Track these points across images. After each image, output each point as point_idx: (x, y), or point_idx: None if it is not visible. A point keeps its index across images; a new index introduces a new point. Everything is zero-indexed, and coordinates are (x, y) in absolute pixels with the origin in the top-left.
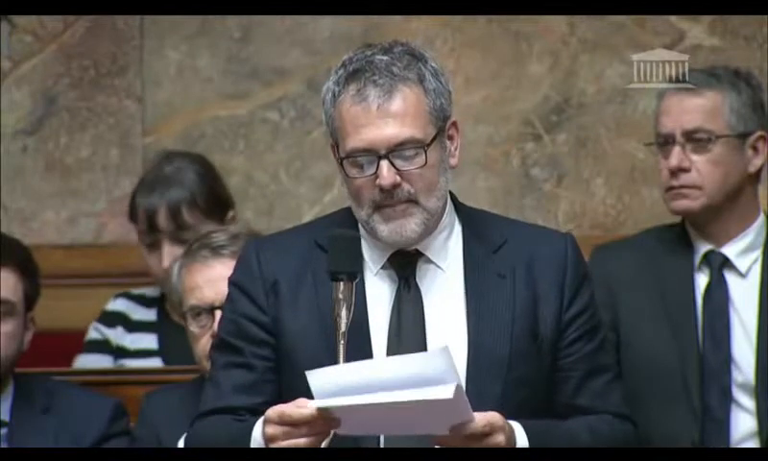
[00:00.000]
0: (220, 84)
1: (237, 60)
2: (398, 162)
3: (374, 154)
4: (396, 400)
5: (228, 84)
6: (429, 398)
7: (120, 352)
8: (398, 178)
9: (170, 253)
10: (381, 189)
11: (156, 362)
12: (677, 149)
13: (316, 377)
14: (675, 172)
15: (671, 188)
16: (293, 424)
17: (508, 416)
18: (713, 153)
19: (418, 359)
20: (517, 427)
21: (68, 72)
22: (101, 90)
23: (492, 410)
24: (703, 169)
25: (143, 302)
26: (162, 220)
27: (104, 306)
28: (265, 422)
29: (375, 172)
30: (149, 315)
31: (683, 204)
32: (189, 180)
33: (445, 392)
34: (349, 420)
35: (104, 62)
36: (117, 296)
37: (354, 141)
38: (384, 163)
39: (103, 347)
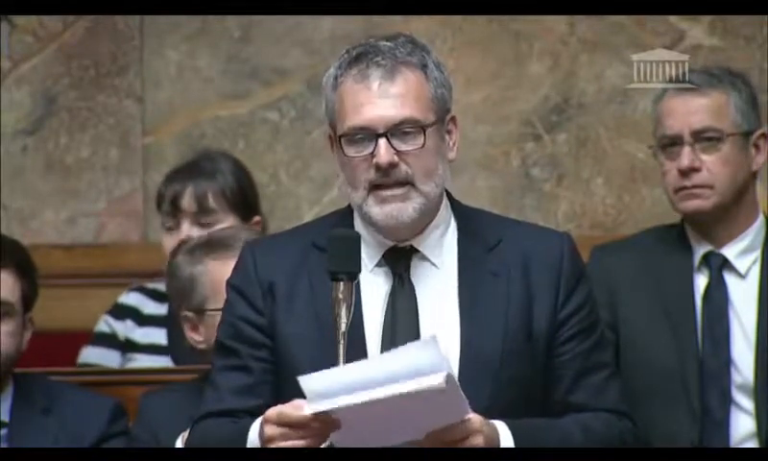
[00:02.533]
0: (220, 85)
1: (237, 60)
2: (396, 142)
3: (373, 132)
4: (388, 393)
5: (228, 84)
6: (421, 387)
7: (129, 346)
8: (396, 157)
9: (188, 234)
10: (377, 168)
11: (164, 358)
12: (687, 149)
13: (309, 383)
14: (687, 172)
15: (682, 189)
16: (291, 426)
17: (498, 415)
18: (723, 152)
19: (407, 351)
20: (502, 427)
21: (68, 72)
22: (101, 90)
23: (483, 408)
24: (714, 168)
25: (156, 296)
26: (186, 201)
27: (117, 299)
28: (264, 422)
29: (373, 151)
30: (160, 309)
31: (694, 204)
32: (221, 171)
33: (436, 379)
34: (346, 424)
35: (104, 62)
36: (131, 289)
37: (353, 119)
38: (382, 141)
39: (109, 340)
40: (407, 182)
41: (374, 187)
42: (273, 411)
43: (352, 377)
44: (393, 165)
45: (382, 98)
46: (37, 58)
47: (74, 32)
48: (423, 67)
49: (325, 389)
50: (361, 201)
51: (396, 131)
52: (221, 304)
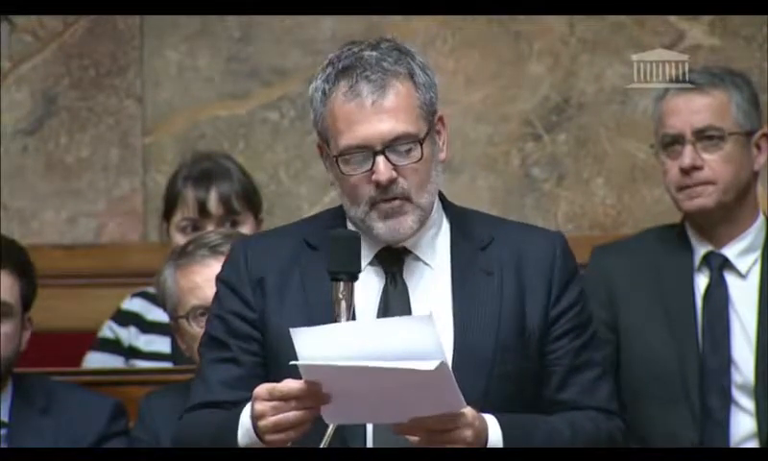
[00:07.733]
0: (220, 85)
1: (237, 60)
2: (393, 157)
3: (369, 150)
4: (380, 365)
5: (228, 84)
6: (413, 367)
7: (132, 353)
8: (394, 173)
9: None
10: (377, 185)
11: (167, 365)
12: (689, 148)
13: (301, 336)
14: (688, 171)
15: (685, 187)
16: (282, 399)
17: (491, 411)
18: (725, 150)
19: (403, 323)
20: (492, 422)
21: (68, 72)
22: (101, 90)
23: (477, 405)
24: (716, 167)
25: (159, 302)
26: (213, 205)
27: (120, 304)
28: (254, 399)
29: (371, 168)
30: (164, 316)
31: (697, 202)
32: (235, 172)
33: (429, 364)
34: (336, 398)
35: (104, 62)
36: (134, 295)
37: (348, 138)
38: (380, 159)
39: (113, 346)
40: (403, 197)
41: (375, 203)
42: (263, 387)
43: (345, 337)
44: (392, 181)
45: (376, 114)
46: (37, 58)
47: (74, 32)
48: (411, 75)
49: (317, 345)
50: (363, 215)
51: (393, 146)
52: (185, 311)
